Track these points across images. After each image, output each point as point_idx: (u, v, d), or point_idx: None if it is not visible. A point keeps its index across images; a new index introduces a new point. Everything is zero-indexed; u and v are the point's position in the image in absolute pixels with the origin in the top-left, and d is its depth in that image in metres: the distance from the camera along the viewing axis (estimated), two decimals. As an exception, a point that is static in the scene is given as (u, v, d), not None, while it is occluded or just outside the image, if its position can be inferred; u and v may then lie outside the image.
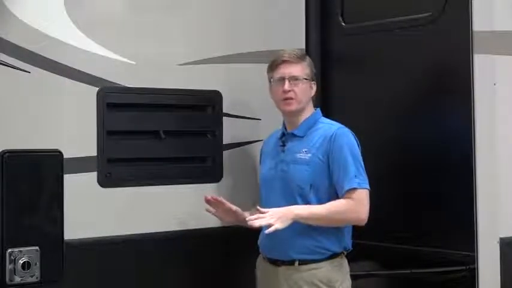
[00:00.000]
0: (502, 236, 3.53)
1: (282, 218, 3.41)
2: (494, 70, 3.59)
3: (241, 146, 4.02)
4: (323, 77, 4.30)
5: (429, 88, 3.97)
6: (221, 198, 3.71)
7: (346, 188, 3.51)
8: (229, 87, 3.97)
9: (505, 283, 3.51)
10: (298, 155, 3.61)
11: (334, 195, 3.56)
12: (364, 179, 3.54)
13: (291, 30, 4.25)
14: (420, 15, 3.95)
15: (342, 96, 4.30)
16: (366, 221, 3.54)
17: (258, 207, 3.48)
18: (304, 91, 3.65)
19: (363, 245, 3.84)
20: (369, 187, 3.54)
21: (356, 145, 3.60)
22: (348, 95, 4.29)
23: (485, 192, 3.56)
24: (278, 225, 3.39)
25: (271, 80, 3.69)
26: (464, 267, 3.69)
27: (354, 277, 3.71)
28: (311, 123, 3.68)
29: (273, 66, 3.69)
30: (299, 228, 3.52)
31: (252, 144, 4.05)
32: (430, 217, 3.89)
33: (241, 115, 4.03)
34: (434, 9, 3.89)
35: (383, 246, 4.04)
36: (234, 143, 4.00)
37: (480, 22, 3.58)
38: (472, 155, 3.57)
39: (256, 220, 3.41)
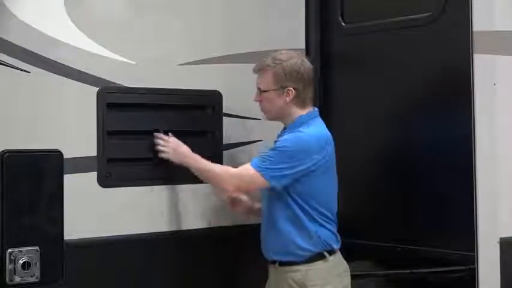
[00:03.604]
0: (502, 236, 3.53)
1: (176, 154, 3.66)
2: (494, 70, 3.59)
3: (241, 146, 4.02)
4: (323, 77, 4.31)
5: (429, 88, 3.97)
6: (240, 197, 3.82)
7: (247, 163, 3.59)
8: (229, 87, 3.97)
9: (505, 283, 3.51)
10: None
11: (289, 198, 3.58)
12: (265, 166, 3.53)
13: (291, 30, 4.25)
14: (420, 15, 3.95)
15: (342, 96, 4.30)
16: (228, 193, 3.66)
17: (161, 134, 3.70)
18: (270, 102, 3.66)
19: (363, 245, 3.84)
20: (264, 174, 3.52)
21: (291, 147, 3.54)
22: (348, 95, 4.29)
23: (485, 192, 3.56)
24: (167, 155, 3.65)
25: None
26: (464, 267, 3.69)
27: (354, 277, 3.71)
28: (296, 128, 3.64)
29: None
30: (276, 229, 3.58)
31: (252, 144, 4.05)
32: (430, 217, 3.89)
33: (241, 115, 4.03)
34: (434, 9, 3.89)
35: (383, 246, 4.03)
36: (234, 143, 4.00)
37: (480, 22, 3.58)
38: (472, 155, 3.57)
39: (160, 143, 3.68)
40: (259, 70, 3.68)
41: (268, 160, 3.54)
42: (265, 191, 3.64)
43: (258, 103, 3.73)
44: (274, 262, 3.65)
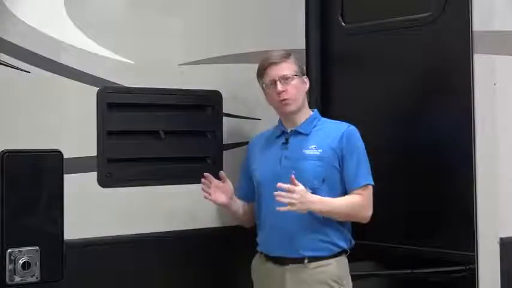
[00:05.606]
0: (502, 236, 3.53)
1: (304, 205, 3.43)
2: (494, 70, 3.59)
3: (241, 146, 4.02)
4: (323, 77, 4.31)
5: (429, 88, 3.97)
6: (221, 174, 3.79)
7: (363, 183, 3.59)
8: (229, 87, 3.97)
9: (505, 283, 3.51)
10: (307, 151, 3.61)
11: (343, 190, 3.61)
12: (371, 177, 3.63)
13: (291, 30, 4.25)
14: (420, 15, 3.95)
15: (342, 96, 4.30)
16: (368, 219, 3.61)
17: (293, 177, 3.42)
18: (298, 87, 3.66)
19: (363, 245, 3.83)
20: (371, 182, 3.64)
21: (361, 140, 3.68)
22: (348, 95, 4.29)
23: (485, 192, 3.56)
24: (294, 208, 3.40)
25: (263, 85, 3.70)
26: (464, 267, 3.69)
27: (353, 277, 3.71)
28: (314, 122, 3.71)
29: (261, 72, 3.69)
30: (307, 223, 3.54)
31: (252, 144, 4.05)
32: (430, 217, 3.89)
33: (241, 115, 4.03)
34: (434, 9, 3.89)
35: (383, 246, 4.04)
36: (234, 143, 4.00)
37: (480, 22, 3.58)
38: (472, 155, 3.57)
39: (284, 195, 3.39)
40: (283, 58, 3.66)
41: (367, 165, 3.63)
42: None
43: (266, 99, 3.73)
44: (300, 260, 3.56)
